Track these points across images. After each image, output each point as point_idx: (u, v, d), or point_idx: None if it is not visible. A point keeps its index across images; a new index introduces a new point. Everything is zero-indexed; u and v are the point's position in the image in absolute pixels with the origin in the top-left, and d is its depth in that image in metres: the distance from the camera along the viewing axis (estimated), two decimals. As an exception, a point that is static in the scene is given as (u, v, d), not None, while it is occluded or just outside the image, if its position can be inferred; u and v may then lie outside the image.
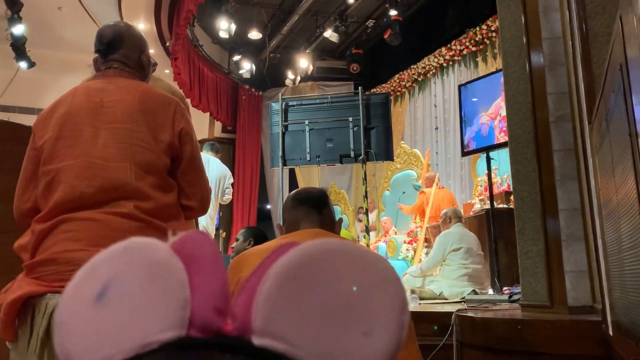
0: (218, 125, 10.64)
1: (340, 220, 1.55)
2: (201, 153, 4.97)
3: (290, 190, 11.00)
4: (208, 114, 9.97)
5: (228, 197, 4.99)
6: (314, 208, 1.46)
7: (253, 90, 10.94)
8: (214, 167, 4.77)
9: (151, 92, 1.43)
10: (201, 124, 10.32)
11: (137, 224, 1.29)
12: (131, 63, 1.50)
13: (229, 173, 4.90)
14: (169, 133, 1.39)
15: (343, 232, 3.04)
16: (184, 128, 1.43)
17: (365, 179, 4.48)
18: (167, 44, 8.05)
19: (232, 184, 5.03)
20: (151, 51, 8.29)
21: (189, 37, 8.85)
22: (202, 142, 10.11)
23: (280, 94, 5.52)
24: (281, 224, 1.51)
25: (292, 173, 10.58)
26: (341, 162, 4.46)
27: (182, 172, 1.43)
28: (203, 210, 1.46)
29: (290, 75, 10.22)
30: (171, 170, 1.42)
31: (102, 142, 1.32)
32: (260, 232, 3.02)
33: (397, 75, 9.87)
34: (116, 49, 1.48)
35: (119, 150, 1.32)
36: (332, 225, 1.48)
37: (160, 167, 1.37)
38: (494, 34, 7.74)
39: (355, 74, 10.17)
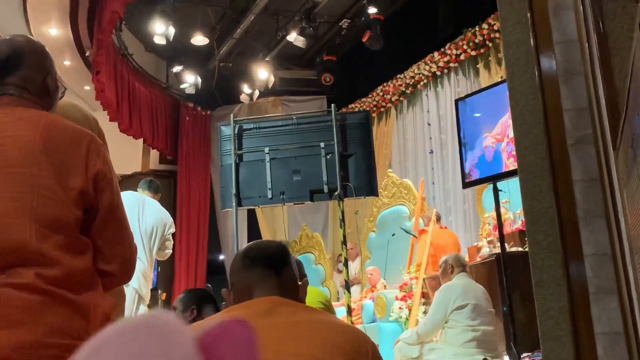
0: (154, 154, 10.59)
1: (306, 282, 1.53)
2: (135, 193, 4.96)
3: (248, 236, 10.91)
4: (141, 140, 9.93)
5: (168, 252, 4.92)
6: (271, 269, 1.45)
7: (199, 109, 10.97)
8: (151, 211, 4.76)
9: (58, 125, 1.41)
10: (132, 154, 10.25)
11: (40, 298, 1.25)
12: (33, 88, 1.48)
13: (169, 220, 4.88)
14: (81, 177, 1.37)
15: (314, 292, 2.99)
16: (101, 170, 1.40)
17: (343, 219, 4.48)
18: (87, 53, 8.03)
19: (174, 234, 4.99)
20: (66, 63, 8.26)
21: (115, 45, 8.86)
22: (135, 177, 10.14)
23: (232, 114, 5.54)
24: (228, 290, 1.49)
25: (251, 214, 10.55)
26: (312, 200, 4.47)
27: (98, 228, 1.40)
28: (126, 276, 1.44)
29: (246, 89, 10.29)
30: (84, 225, 1.39)
31: (-8, 191, 1.29)
32: (206, 296, 2.97)
33: (379, 88, 10.06)
34: (13, 70, 1.46)
35: (16, 202, 1.29)
36: (294, 289, 1.47)
37: (70, 221, 1.34)
38: (497, 35, 7.97)
39: (327, 86, 10.32)
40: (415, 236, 6.98)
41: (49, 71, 1.52)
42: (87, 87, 8.75)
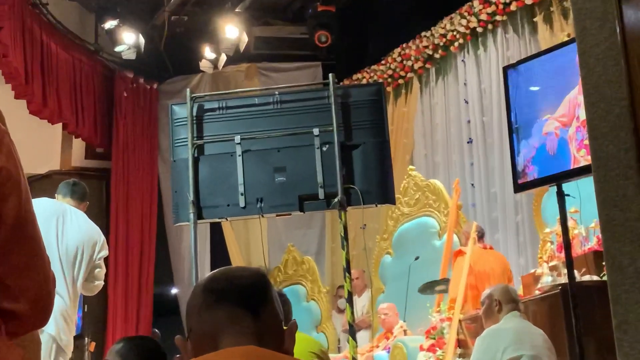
0: (79, 146, 10.58)
1: (294, 326, 1.53)
2: (51, 201, 4.95)
3: (212, 262, 11.02)
4: (60, 126, 9.90)
5: (98, 284, 4.90)
6: (245, 308, 1.46)
7: (142, 81, 10.96)
8: (74, 226, 4.76)
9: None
10: (47, 145, 10.22)
11: None
12: None
13: (100, 238, 4.88)
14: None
15: (304, 340, 2.98)
16: (3, 168, 1.39)
17: (345, 237, 4.48)
18: (-17, 2, 8.02)
19: (106, 258, 5.00)
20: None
21: (23, -10, 8.83)
22: (52, 178, 10.08)
23: (189, 88, 5.54)
24: (184, 338, 1.49)
25: (217, 230, 10.53)
26: (301, 210, 4.45)
27: (1, 250, 1.39)
28: (41, 317, 1.43)
29: (207, 53, 10.28)
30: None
31: None
32: (153, 347, 2.97)
33: (396, 51, 10.07)
34: None
35: None
36: (277, 336, 1.47)
37: (-44, 241, 1.33)
38: (562, -24, 7.98)
39: (323, 48, 10.32)
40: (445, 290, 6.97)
41: None
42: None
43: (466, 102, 9.28)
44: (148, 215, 10.64)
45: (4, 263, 1.40)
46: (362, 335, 8.48)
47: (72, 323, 4.77)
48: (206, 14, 10.27)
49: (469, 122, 9.24)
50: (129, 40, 9.75)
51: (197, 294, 1.52)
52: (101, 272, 4.96)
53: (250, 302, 1.48)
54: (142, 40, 9.84)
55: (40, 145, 9.98)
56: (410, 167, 8.84)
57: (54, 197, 4.99)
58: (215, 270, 1.58)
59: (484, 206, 8.87)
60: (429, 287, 7.16)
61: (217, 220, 4.84)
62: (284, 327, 1.52)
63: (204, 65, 10.36)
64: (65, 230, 4.70)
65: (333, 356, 8.22)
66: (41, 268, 1.45)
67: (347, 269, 4.45)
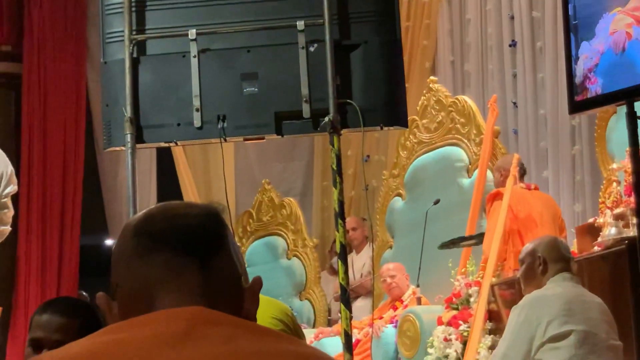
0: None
1: (258, 283, 1.54)
2: None
3: (159, 200, 11.06)
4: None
5: (4, 229, 4.93)
6: (190, 256, 1.45)
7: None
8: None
9: None
10: None
11: None
12: None
13: (7, 168, 4.91)
14: None
15: (266, 302, 2.98)
16: None
17: (339, 172, 4.48)
18: None
19: (15, 195, 5.01)
20: None
21: None
22: None
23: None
24: (109, 295, 1.50)
25: (165, 158, 10.52)
26: (279, 133, 4.48)
27: None
28: None
29: None
30: None
31: None
32: (86, 310, 3.01)
33: None
34: None
35: None
36: (234, 295, 1.48)
37: None
38: None
39: None
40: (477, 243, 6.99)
41: None
42: None
43: (507, -9, 9.25)
44: (73, 138, 10.56)
45: None
46: (361, 305, 8.54)
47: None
48: None
49: (512, 17, 9.20)
50: None
51: (126, 238, 1.50)
52: (8, 213, 4.99)
53: (198, 248, 1.46)
54: None
55: None
56: (432, 77, 8.81)
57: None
58: (151, 207, 1.57)
59: (530, 133, 8.89)
60: (453, 244, 7.19)
61: (164, 144, 4.84)
62: (243, 285, 1.51)
63: None
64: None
65: (323, 330, 8.31)
66: None
67: (341, 215, 4.46)
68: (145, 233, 1.48)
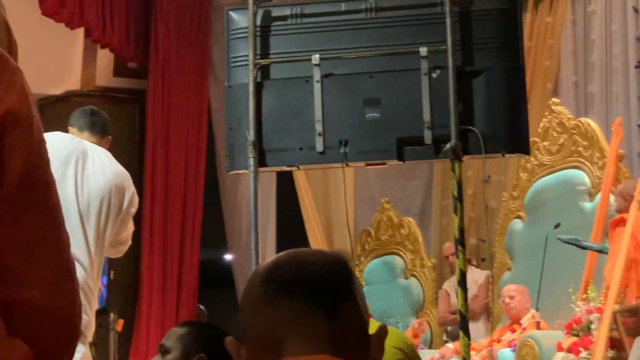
0: (106, 59, 10.70)
1: (384, 331, 1.54)
2: (67, 136, 5.01)
3: (279, 223, 11.06)
4: (81, 32, 10.02)
5: (126, 244, 4.98)
6: (318, 305, 1.47)
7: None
8: (96, 171, 4.81)
9: None
10: (65, 57, 10.37)
11: None
12: None
13: (130, 185, 4.93)
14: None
15: (395, 335, 3.01)
16: (10, 110, 1.43)
17: (459, 195, 4.47)
18: None
19: (134, 206, 5.06)
20: None
21: None
22: (70, 102, 10.09)
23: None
24: (237, 340, 1.52)
25: (286, 180, 10.56)
26: (401, 158, 4.47)
27: (2, 220, 1.43)
28: (61, 304, 1.47)
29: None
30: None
31: None
32: (215, 337, 3.03)
33: None
34: None
35: None
36: (359, 342, 1.48)
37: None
38: None
39: None
40: (599, 251, 6.89)
41: None
42: None
43: (635, 10, 9.08)
44: (194, 156, 10.74)
45: (8, 241, 1.44)
46: (477, 327, 8.45)
47: (94, 297, 4.84)
48: None
49: (638, 39, 9.05)
50: None
51: (256, 284, 1.52)
52: (130, 228, 5.04)
53: (326, 297, 1.48)
54: None
55: (56, 57, 10.13)
56: (554, 100, 8.71)
57: (68, 131, 5.03)
58: (279, 254, 1.59)
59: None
60: (576, 243, 7.05)
61: (286, 168, 4.87)
62: (370, 331, 1.52)
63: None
64: (86, 175, 4.74)
65: (444, 352, 8.25)
66: (57, 244, 1.49)
67: (461, 241, 4.45)
68: (274, 281, 1.50)
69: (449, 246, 8.80)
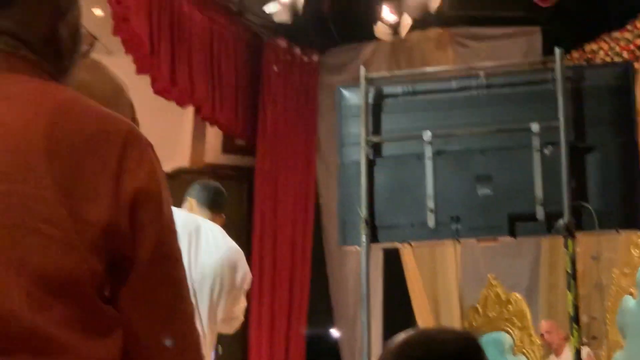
0: (214, 136, 10.86)
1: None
2: (181, 213, 5.08)
3: (385, 298, 11.00)
4: (191, 111, 10.21)
5: (238, 319, 5.01)
6: None
7: (297, 51, 11.13)
8: (210, 247, 4.88)
9: (74, 110, 1.49)
10: (175, 134, 10.54)
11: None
12: (35, 39, 1.57)
13: (242, 261, 5.00)
14: (107, 203, 1.44)
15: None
16: (144, 189, 1.47)
17: (573, 273, 4.42)
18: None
19: (247, 282, 5.10)
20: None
21: None
22: (180, 179, 10.15)
23: (361, 63, 5.60)
24: None
25: (390, 256, 10.53)
26: (512, 234, 4.45)
27: (134, 293, 1.47)
28: None
29: (386, 14, 10.32)
30: (110, 286, 1.47)
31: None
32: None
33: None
34: (2, 7, 1.55)
35: (-6, 244, 1.38)
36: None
37: (84, 280, 1.41)
38: None
39: (544, 7, 10.15)
40: None
41: (64, 10, 1.61)
42: (97, 11, 9.08)
43: None
44: (301, 231, 10.75)
45: (137, 310, 1.48)
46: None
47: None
48: (385, -38, 10.30)
49: None
50: (283, -4, 9.84)
51: None
52: (242, 305, 5.07)
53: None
54: (300, -4, 9.93)
55: (166, 134, 10.28)
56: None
57: (181, 203, 5.10)
58: (409, 332, 1.59)
59: None
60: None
61: (397, 244, 4.87)
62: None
63: (381, 30, 10.37)
64: (200, 251, 4.80)
65: None
66: (185, 317, 1.53)
67: (575, 319, 4.39)
68: (408, 357, 1.50)
69: (546, 324, 8.68)
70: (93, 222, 1.43)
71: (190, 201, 5.12)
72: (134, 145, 1.50)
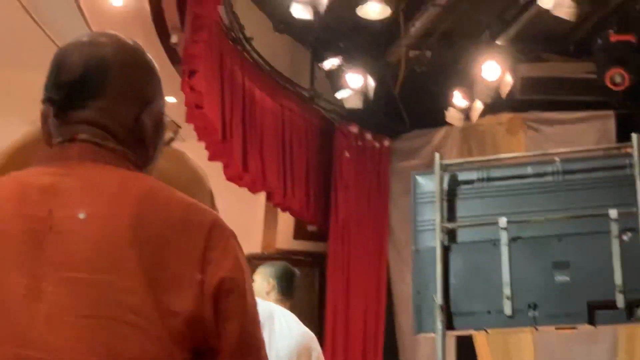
0: (286, 223, 10.90)
1: None
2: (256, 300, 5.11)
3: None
4: (263, 197, 10.26)
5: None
6: None
7: (369, 137, 11.19)
8: (283, 332, 4.90)
9: (159, 200, 1.52)
10: (247, 220, 10.56)
11: None
12: (120, 129, 1.61)
13: (315, 346, 4.99)
14: (192, 293, 1.45)
15: None
16: (228, 279, 1.49)
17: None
18: (174, 39, 8.47)
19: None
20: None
21: (224, 24, 9.24)
22: (251, 264, 10.12)
23: (434, 150, 5.62)
24: None
25: (463, 341, 10.42)
26: (592, 322, 4.39)
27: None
28: None
29: (457, 100, 10.33)
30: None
31: (45, 313, 1.40)
32: None
33: None
34: (90, 98, 1.60)
35: (82, 332, 1.39)
36: None
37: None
38: None
39: (618, 91, 10.09)
40: None
41: (149, 100, 1.65)
42: (171, 99, 9.20)
43: None
44: (374, 319, 10.67)
45: None
46: None
47: None
48: (456, 48, 10.35)
49: None
50: (354, 83, 9.86)
51: None
52: None
53: None
54: (371, 83, 9.96)
55: (238, 220, 10.21)
56: None
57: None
58: None
59: None
60: None
61: (473, 331, 4.84)
62: None
63: (452, 116, 10.38)
64: (274, 337, 4.81)
65: None
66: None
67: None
68: None
69: None
70: (178, 312, 1.44)
71: (270, 281, 5.16)
72: (218, 236, 1.52)
